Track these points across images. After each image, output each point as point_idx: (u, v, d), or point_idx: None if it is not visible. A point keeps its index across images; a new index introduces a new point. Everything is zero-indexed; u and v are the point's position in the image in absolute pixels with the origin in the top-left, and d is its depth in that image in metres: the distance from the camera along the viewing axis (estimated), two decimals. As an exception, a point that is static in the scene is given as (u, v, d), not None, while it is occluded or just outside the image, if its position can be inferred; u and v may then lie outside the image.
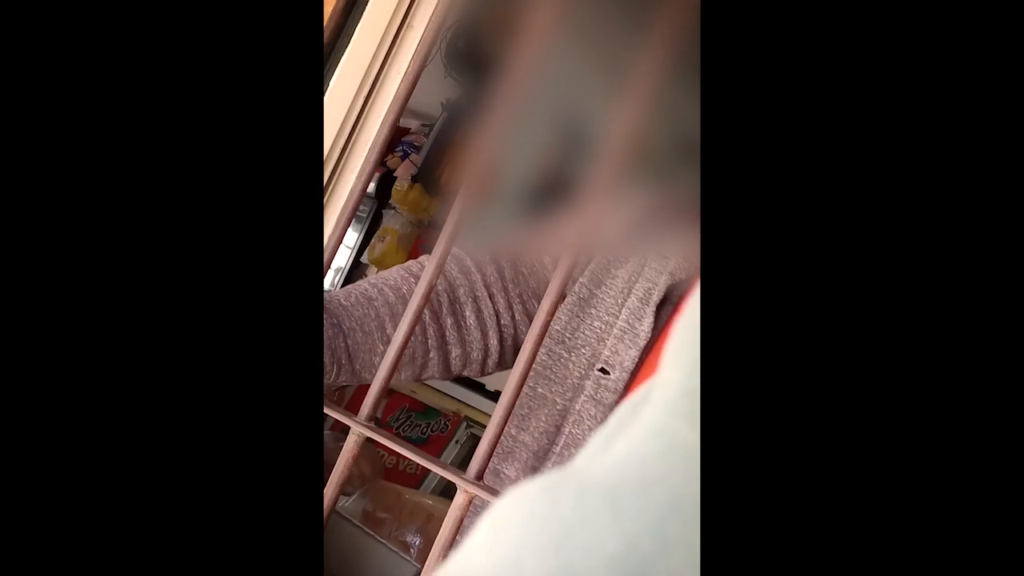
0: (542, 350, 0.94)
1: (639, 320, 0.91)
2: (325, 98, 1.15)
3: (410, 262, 1.01)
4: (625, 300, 0.94)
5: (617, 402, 0.89)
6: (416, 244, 2.56)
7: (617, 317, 0.93)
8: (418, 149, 2.63)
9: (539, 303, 0.59)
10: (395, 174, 2.61)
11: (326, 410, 0.60)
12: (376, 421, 0.61)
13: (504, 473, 0.90)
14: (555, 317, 0.95)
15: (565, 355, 0.94)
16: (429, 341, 0.94)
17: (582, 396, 0.91)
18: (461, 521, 0.56)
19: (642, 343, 0.90)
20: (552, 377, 0.93)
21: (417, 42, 1.19)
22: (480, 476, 0.57)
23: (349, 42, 1.14)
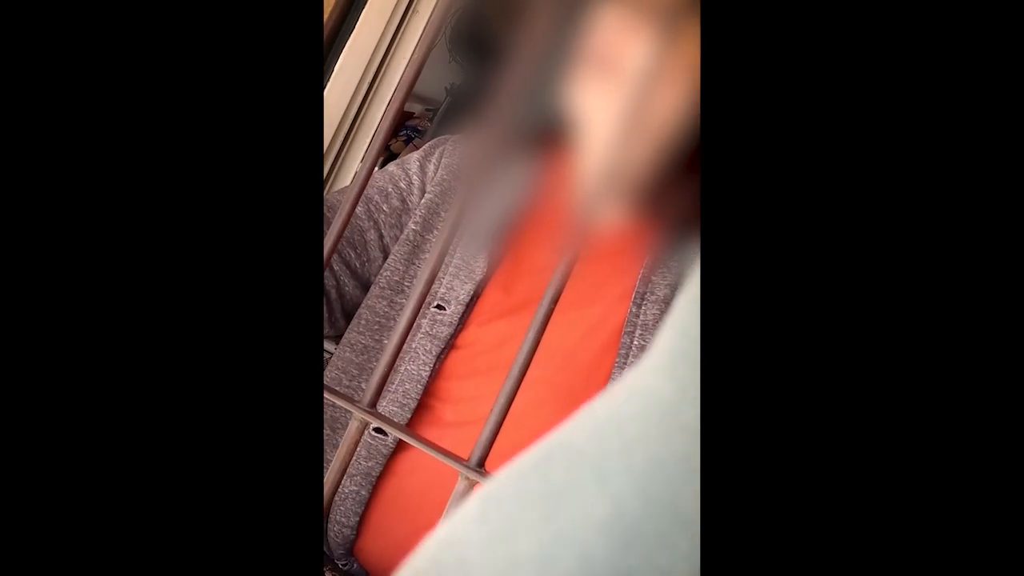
0: (383, 302, 0.95)
1: (474, 257, 0.92)
2: (330, 82, 1.14)
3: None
4: (459, 239, 0.94)
5: (451, 335, 0.90)
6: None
7: (453, 256, 0.93)
8: (422, 134, 2.62)
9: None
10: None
11: (327, 396, 0.60)
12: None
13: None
14: (392, 268, 0.95)
15: (406, 303, 0.93)
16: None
17: (419, 334, 0.91)
18: (462, 508, 0.56)
19: (478, 278, 0.91)
20: (395, 327, 0.93)
21: (423, 27, 1.19)
22: (482, 464, 0.57)
23: (354, 26, 1.13)
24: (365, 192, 0.97)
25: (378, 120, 1.21)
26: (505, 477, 0.27)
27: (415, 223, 0.95)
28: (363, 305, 0.94)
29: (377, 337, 0.94)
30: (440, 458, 0.58)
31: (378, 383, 0.60)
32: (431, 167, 0.98)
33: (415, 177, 0.97)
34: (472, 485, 0.56)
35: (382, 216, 0.96)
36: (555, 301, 0.54)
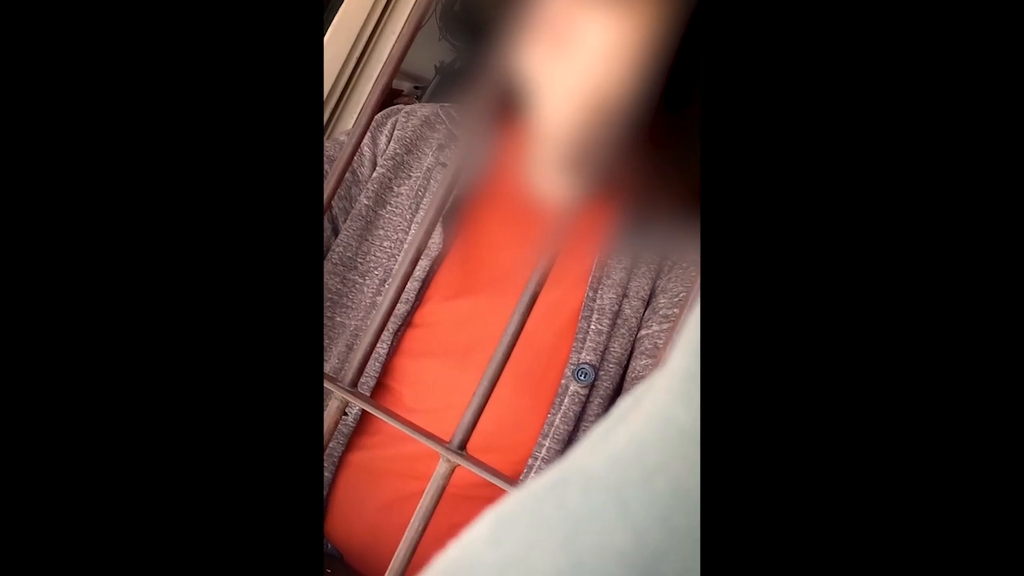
0: (335, 279, 0.94)
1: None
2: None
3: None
4: (413, 215, 0.93)
5: (408, 312, 0.90)
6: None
7: (407, 232, 0.93)
8: (410, 112, 2.60)
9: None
10: (386, 137, 2.58)
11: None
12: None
13: None
14: (344, 244, 0.94)
15: (360, 280, 0.93)
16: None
17: (374, 311, 0.89)
18: (444, 490, 0.56)
19: (433, 254, 0.91)
20: (349, 304, 0.93)
21: (413, 3, 1.17)
22: (463, 446, 0.56)
23: (342, 1, 1.12)
24: None
25: (365, 97, 1.20)
26: (518, 499, 0.27)
27: (367, 198, 0.94)
28: None
29: (329, 314, 0.93)
30: (422, 440, 0.57)
31: (359, 363, 0.59)
32: (383, 139, 0.96)
33: (366, 149, 0.95)
34: (453, 467, 0.56)
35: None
36: (540, 287, 0.54)
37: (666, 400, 0.26)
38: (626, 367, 0.89)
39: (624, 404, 0.29)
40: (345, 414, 0.87)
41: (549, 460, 0.85)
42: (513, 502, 0.27)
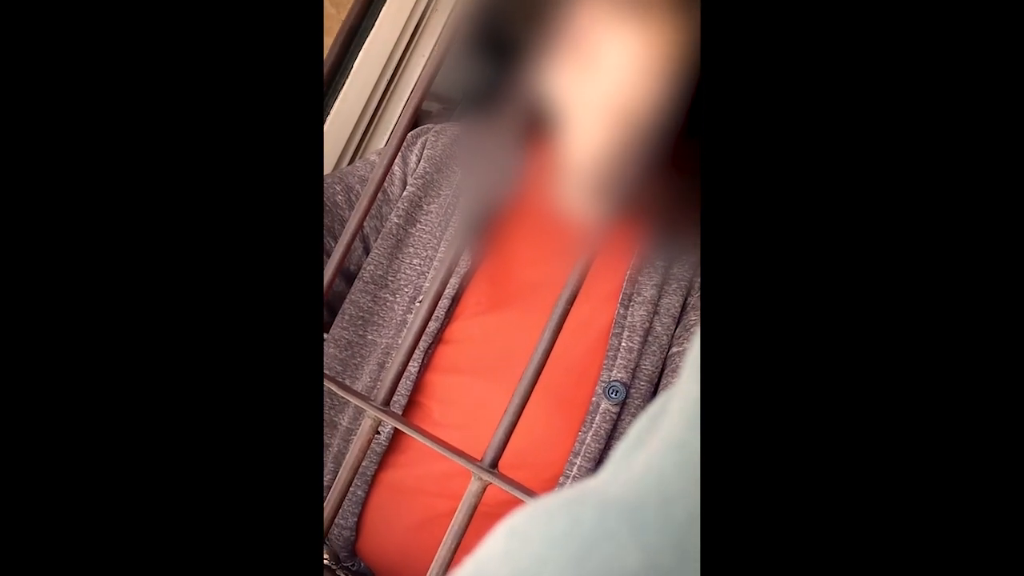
0: (366, 296, 0.94)
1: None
2: (349, 80, 1.14)
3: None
4: (443, 233, 0.93)
5: (438, 330, 0.90)
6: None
7: (436, 250, 0.93)
8: (440, 133, 2.61)
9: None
10: (416, 158, 2.59)
11: (342, 393, 0.59)
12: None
13: (340, 424, 0.90)
14: (375, 262, 0.94)
15: (390, 298, 0.94)
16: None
17: (404, 330, 0.90)
18: (475, 508, 0.56)
19: (462, 271, 0.91)
20: (380, 322, 0.93)
21: (442, 25, 1.18)
22: (495, 464, 0.56)
23: (374, 24, 1.13)
24: (345, 180, 0.97)
25: (396, 118, 1.21)
26: (531, 515, 0.27)
27: (397, 216, 0.94)
28: (347, 300, 0.94)
29: (361, 332, 0.93)
30: (454, 458, 0.57)
31: (392, 382, 0.60)
32: (413, 158, 0.97)
33: (396, 168, 0.96)
34: (485, 485, 0.56)
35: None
36: (570, 303, 0.54)
37: (683, 427, 0.26)
38: (657, 384, 0.89)
39: (640, 424, 0.30)
40: (377, 432, 0.87)
41: (580, 478, 0.85)
42: (527, 518, 0.27)
